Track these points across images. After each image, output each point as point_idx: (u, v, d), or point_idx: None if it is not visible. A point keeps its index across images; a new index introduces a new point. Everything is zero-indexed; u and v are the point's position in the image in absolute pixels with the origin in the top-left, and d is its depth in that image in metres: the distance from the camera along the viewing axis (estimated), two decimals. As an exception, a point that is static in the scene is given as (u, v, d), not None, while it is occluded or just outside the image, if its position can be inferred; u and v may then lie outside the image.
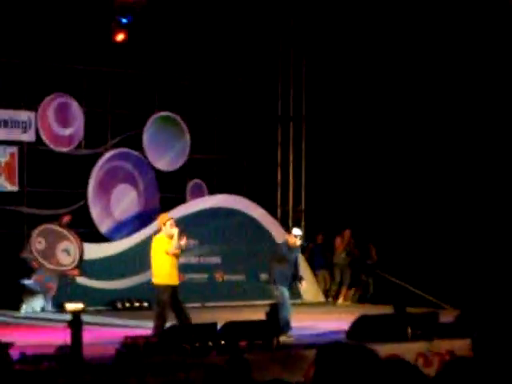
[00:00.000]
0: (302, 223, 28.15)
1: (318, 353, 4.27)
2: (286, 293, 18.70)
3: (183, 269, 22.37)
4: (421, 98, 24.90)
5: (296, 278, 19.25)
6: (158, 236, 18.06)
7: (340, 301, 25.08)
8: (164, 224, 17.84)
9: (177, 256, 17.72)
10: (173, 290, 17.57)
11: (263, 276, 19.28)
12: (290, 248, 18.83)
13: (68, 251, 23.84)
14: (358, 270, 26.16)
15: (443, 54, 24.36)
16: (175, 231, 17.60)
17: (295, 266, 19.24)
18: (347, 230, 25.95)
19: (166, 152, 27.31)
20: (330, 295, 25.77)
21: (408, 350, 16.22)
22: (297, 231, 19.41)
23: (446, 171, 24.34)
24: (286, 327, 17.85)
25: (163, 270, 17.67)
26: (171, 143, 27.41)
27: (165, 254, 17.53)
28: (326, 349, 4.24)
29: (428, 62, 24.63)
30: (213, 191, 27.48)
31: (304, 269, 26.21)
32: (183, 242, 17.55)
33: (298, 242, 19.08)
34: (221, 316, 18.45)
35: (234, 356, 4.64)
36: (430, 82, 24.65)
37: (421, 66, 24.66)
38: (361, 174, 25.82)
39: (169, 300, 17.48)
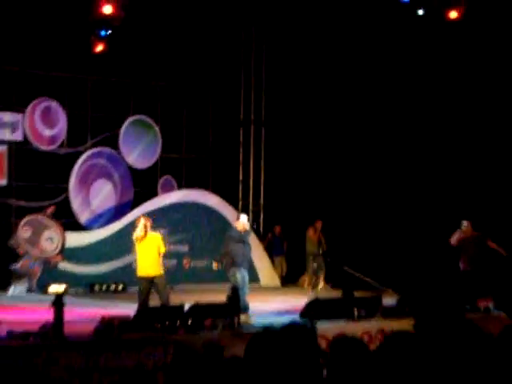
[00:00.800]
0: (261, 216, 28.30)
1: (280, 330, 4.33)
2: (247, 276, 18.85)
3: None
4: (372, 102, 24.99)
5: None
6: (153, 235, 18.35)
7: (321, 286, 24.93)
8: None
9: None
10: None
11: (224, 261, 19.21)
12: (243, 234, 18.94)
13: (51, 239, 23.88)
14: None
15: (391, 56, 24.25)
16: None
17: (247, 253, 19.30)
18: (318, 221, 25.42)
19: (139, 151, 27.39)
20: (307, 283, 25.33)
21: (354, 328, 16.33)
22: (243, 217, 19.52)
23: (387, 163, 24.46)
24: (245, 308, 17.95)
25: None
26: (144, 143, 27.47)
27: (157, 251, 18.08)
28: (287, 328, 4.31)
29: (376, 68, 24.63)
30: (181, 186, 27.55)
31: (262, 256, 26.43)
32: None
33: (247, 227, 19.25)
34: (188, 298, 18.41)
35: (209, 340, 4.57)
36: (379, 86, 24.69)
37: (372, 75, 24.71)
38: (312, 172, 25.94)
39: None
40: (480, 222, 21.61)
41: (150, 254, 18.04)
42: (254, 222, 27.38)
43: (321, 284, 24.83)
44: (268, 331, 4.41)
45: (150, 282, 17.69)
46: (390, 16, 23.08)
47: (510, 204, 22.56)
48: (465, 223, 21.41)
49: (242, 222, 19.24)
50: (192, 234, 25.91)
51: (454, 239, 21.50)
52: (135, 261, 18.67)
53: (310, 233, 25.49)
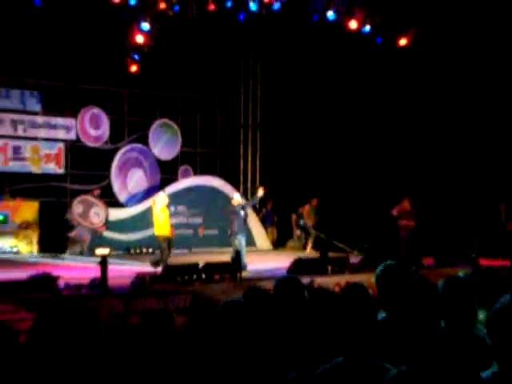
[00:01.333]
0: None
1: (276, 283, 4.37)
2: (243, 240, 19.13)
3: (177, 226, 22.55)
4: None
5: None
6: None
7: (308, 249, 24.97)
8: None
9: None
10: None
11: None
12: (236, 208, 19.18)
13: (98, 214, 23.85)
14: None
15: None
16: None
17: (245, 223, 19.59)
18: (314, 199, 25.49)
19: (164, 147, 27.43)
20: (309, 247, 25.22)
21: (328, 281, 16.34)
22: (236, 195, 19.99)
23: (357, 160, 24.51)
24: (244, 266, 18.02)
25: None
26: (167, 140, 27.52)
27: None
28: (280, 281, 4.33)
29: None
30: (196, 173, 27.62)
31: (258, 226, 26.52)
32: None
33: (240, 202, 19.44)
34: (201, 258, 18.49)
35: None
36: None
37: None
38: (295, 163, 26.00)
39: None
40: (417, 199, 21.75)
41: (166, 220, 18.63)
42: (251, 198, 27.45)
43: (309, 248, 24.78)
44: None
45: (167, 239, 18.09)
46: (355, 42, 22.99)
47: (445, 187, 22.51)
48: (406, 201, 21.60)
49: (236, 199, 19.56)
50: (204, 209, 25.92)
51: (395, 210, 21.64)
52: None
53: (306, 208, 25.50)
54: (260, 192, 20.14)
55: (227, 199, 23.40)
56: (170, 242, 18.54)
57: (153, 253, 21.74)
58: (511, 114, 21.70)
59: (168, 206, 19.12)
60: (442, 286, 4.90)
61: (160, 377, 3.30)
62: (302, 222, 26.06)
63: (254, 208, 26.28)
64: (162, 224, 18.34)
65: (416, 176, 23.00)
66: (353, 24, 22.85)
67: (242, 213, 19.28)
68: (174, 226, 20.58)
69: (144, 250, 23.34)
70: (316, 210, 25.44)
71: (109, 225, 24.01)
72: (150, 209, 20.12)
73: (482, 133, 22.35)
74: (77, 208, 23.83)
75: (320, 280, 16.24)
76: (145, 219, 22.77)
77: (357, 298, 4.15)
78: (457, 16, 21.39)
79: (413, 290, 4.61)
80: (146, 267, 18.16)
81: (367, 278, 14.40)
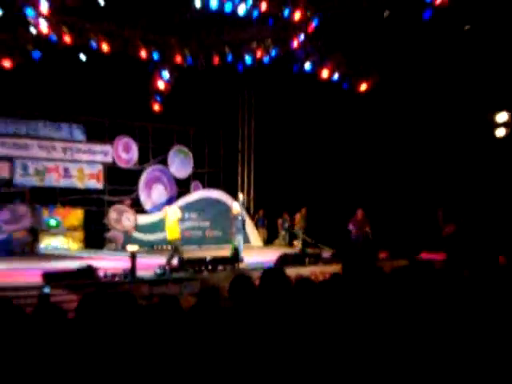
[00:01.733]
0: (252, 205, 28.34)
1: (262, 273, 4.36)
2: (242, 240, 19.16)
3: (190, 228, 22.58)
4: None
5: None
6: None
7: (298, 247, 24.12)
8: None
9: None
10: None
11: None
12: (235, 215, 19.12)
13: (129, 219, 23.94)
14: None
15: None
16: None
17: (243, 224, 19.59)
18: (304, 208, 24.81)
19: (180, 167, 27.43)
20: (300, 245, 24.26)
21: (306, 271, 16.41)
22: (235, 204, 19.86)
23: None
24: (241, 259, 18.09)
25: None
26: (182, 163, 27.52)
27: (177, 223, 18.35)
28: (267, 271, 4.33)
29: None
30: (204, 187, 27.65)
31: (252, 227, 26.55)
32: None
33: (239, 210, 19.50)
34: (208, 253, 18.58)
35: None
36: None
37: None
38: (281, 180, 25.89)
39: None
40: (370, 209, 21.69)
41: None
42: (247, 208, 27.40)
43: (298, 246, 24.28)
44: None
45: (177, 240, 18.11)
46: (328, 87, 23.06)
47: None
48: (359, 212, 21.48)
49: (235, 208, 19.54)
50: (210, 215, 25.98)
51: (350, 225, 21.40)
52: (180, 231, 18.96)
53: (298, 216, 25.08)
54: (240, 196, 20.48)
55: (228, 207, 23.47)
56: (178, 243, 18.47)
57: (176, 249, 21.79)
58: (446, 139, 21.89)
59: (180, 218, 19.08)
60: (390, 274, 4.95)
61: (167, 351, 3.31)
62: (286, 225, 26.12)
63: (249, 214, 26.35)
64: (174, 231, 18.31)
65: (374, 190, 23.06)
66: (325, 73, 22.93)
67: (240, 218, 19.34)
68: (187, 229, 20.65)
69: (164, 247, 23.27)
70: (305, 217, 25.01)
71: (137, 228, 24.06)
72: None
73: (426, 156, 22.49)
74: (112, 214, 23.92)
75: (299, 270, 16.30)
76: (164, 223, 22.82)
77: (336, 286, 4.18)
78: (403, 66, 21.54)
79: (370, 276, 4.66)
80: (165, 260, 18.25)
81: (336, 268, 14.47)
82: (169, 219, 18.61)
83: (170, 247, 19.06)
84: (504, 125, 21.48)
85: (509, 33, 19.48)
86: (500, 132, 21.45)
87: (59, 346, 3.18)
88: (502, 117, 21.42)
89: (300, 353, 3.60)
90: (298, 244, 24.59)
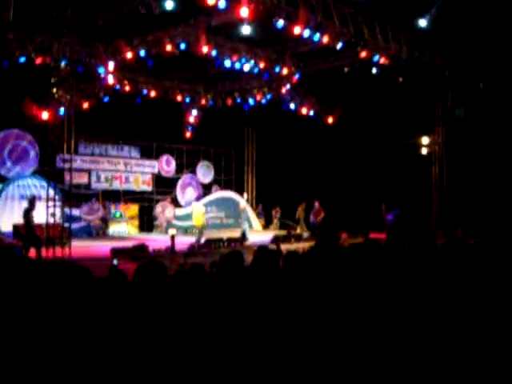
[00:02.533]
0: (254, 201, 28.18)
1: (257, 249, 4.26)
2: (247, 225, 19.26)
3: (212, 218, 22.42)
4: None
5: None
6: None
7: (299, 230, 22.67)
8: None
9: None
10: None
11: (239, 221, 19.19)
12: (242, 208, 19.14)
13: (170, 212, 23.76)
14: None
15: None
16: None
17: (247, 216, 19.52)
18: (303, 202, 22.90)
19: (204, 175, 27.33)
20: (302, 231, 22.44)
21: (291, 246, 16.32)
22: (242, 201, 19.90)
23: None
24: (247, 238, 18.03)
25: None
26: (206, 173, 27.43)
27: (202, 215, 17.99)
28: (261, 248, 4.24)
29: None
30: (222, 189, 27.43)
31: (254, 217, 26.27)
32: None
33: (244, 205, 19.51)
34: (223, 235, 18.51)
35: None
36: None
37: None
38: (275, 186, 25.58)
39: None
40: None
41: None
42: (251, 203, 27.23)
43: (300, 230, 22.61)
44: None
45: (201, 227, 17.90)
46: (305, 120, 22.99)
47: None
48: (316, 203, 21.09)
49: (242, 203, 19.61)
50: (226, 208, 25.73)
51: (311, 216, 21.07)
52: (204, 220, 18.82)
53: (299, 210, 23.52)
54: (245, 196, 20.37)
55: (237, 202, 23.43)
56: (202, 228, 18.27)
57: (201, 232, 21.60)
58: (388, 155, 21.86)
59: (203, 212, 19.04)
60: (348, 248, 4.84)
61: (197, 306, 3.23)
62: (278, 216, 25.84)
63: (251, 207, 26.23)
64: (199, 220, 18.24)
65: (339, 190, 22.87)
66: (304, 110, 22.95)
67: (246, 210, 19.27)
68: (210, 218, 20.47)
69: (194, 231, 23.20)
70: (304, 210, 23.28)
71: (175, 217, 23.95)
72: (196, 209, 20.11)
73: (374, 166, 22.46)
74: (158, 208, 23.80)
75: (286, 246, 16.23)
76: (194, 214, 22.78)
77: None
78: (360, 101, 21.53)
79: (334, 251, 4.51)
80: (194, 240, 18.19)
81: (312, 244, 14.40)
82: (195, 212, 18.56)
83: (197, 231, 19.04)
84: (426, 146, 21.59)
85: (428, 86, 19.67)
86: (423, 151, 21.60)
87: (121, 300, 3.18)
88: (424, 140, 21.56)
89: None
90: (302, 228, 22.95)
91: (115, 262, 12.00)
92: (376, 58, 17.07)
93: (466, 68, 19.57)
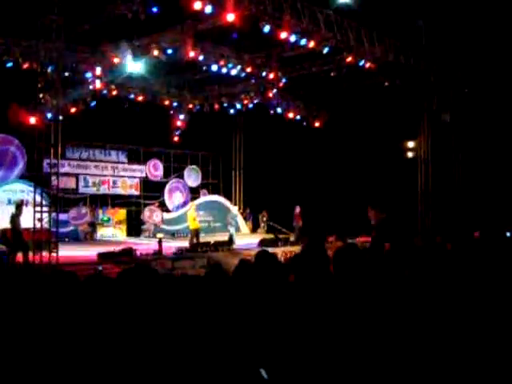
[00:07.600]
0: (241, 205, 28.17)
1: (257, 254, 4.17)
2: (234, 229, 19.09)
3: (200, 222, 22.25)
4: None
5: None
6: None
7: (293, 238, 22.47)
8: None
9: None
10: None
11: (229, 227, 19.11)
12: (232, 215, 19.19)
13: (157, 216, 23.78)
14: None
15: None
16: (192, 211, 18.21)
17: (235, 221, 19.50)
18: (298, 206, 21.59)
19: (192, 179, 27.32)
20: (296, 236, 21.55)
21: (278, 250, 16.34)
22: (234, 209, 19.70)
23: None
24: (234, 242, 18.02)
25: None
26: (194, 177, 27.43)
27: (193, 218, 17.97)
28: (260, 252, 4.17)
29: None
30: (209, 194, 27.45)
31: (242, 220, 26.26)
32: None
33: (235, 212, 19.33)
34: (212, 239, 18.46)
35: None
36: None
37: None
38: (261, 189, 25.49)
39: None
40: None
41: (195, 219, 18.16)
42: (239, 207, 27.24)
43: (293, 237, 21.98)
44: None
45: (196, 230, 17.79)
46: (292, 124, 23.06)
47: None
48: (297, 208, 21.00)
49: (232, 209, 19.48)
50: (214, 212, 25.73)
51: (294, 221, 21.02)
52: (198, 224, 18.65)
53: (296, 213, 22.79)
54: (235, 208, 20.28)
55: (226, 207, 23.45)
56: (198, 231, 18.32)
57: (186, 236, 21.54)
58: (375, 158, 21.98)
59: (196, 215, 18.94)
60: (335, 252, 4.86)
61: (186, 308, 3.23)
62: (264, 219, 25.82)
63: (239, 210, 26.24)
64: (192, 223, 18.17)
65: (330, 196, 22.80)
66: (290, 115, 23.06)
67: (234, 216, 19.29)
68: (198, 222, 20.40)
69: (182, 235, 23.17)
70: (300, 214, 22.41)
71: (163, 221, 23.92)
72: (185, 213, 20.04)
73: (361, 170, 22.55)
74: (146, 212, 23.80)
75: (273, 250, 16.26)
76: (182, 219, 22.76)
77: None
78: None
79: (319, 255, 4.49)
80: (183, 244, 18.12)
81: (297, 248, 14.51)
82: (189, 214, 18.54)
83: (189, 234, 19.01)
84: (411, 150, 21.75)
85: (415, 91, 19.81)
86: (409, 154, 21.73)
87: (104, 303, 3.20)
88: (410, 144, 21.73)
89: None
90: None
91: (100, 268, 12.01)
92: (362, 62, 17.20)
93: (452, 73, 19.79)
